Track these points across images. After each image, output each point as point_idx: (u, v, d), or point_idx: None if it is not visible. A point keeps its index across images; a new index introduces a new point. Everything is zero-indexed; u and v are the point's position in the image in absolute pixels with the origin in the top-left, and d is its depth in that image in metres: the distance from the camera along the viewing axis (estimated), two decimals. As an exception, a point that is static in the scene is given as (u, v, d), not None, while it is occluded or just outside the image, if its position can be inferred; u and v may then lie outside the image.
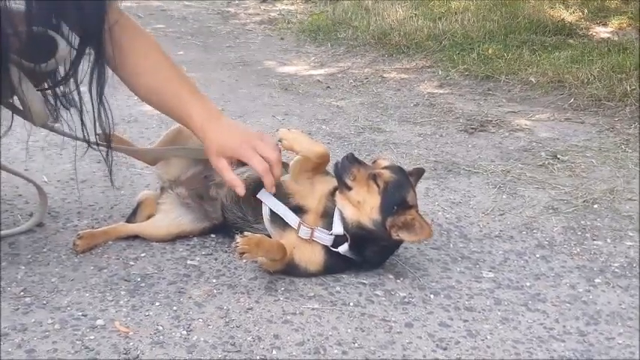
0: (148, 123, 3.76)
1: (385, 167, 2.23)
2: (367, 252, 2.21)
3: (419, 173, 2.42)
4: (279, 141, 2.23)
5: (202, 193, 2.42)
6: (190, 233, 2.43)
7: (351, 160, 2.20)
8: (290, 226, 2.20)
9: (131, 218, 2.48)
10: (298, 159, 2.26)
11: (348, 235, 2.17)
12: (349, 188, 2.17)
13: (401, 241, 2.24)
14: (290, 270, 2.20)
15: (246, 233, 2.03)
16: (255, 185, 2.29)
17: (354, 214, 2.16)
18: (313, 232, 2.18)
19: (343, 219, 2.17)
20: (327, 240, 2.18)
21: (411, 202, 2.18)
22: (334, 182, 2.24)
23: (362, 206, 2.15)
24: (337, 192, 2.21)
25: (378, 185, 2.15)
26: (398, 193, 2.16)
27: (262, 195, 2.27)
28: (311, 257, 2.20)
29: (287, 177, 2.30)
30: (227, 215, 2.36)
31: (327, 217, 2.21)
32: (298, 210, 2.22)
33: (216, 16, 7.71)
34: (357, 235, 2.16)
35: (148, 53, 2.20)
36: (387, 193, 2.14)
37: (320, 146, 2.26)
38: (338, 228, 2.17)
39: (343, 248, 2.19)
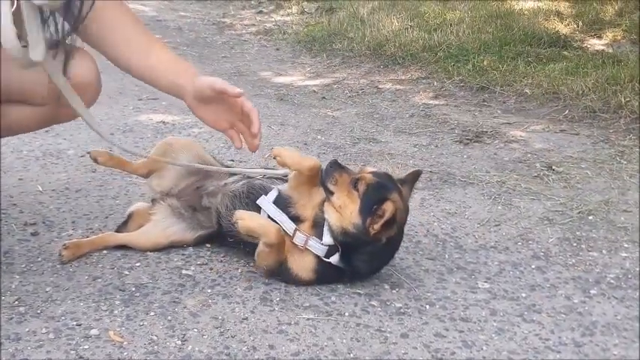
0: (142, 133, 3.75)
1: (370, 172, 2.23)
2: (356, 261, 2.21)
3: (415, 175, 2.36)
4: (274, 158, 2.27)
5: (195, 204, 2.42)
6: (182, 242, 2.42)
7: (333, 165, 2.24)
8: (286, 232, 2.20)
9: (121, 228, 2.47)
10: (294, 173, 2.29)
11: (338, 246, 2.18)
12: (332, 193, 2.19)
13: (392, 245, 2.23)
14: (283, 272, 2.21)
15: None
16: (252, 191, 2.31)
17: (338, 219, 2.16)
18: (307, 240, 2.19)
19: (330, 227, 2.18)
20: (320, 250, 2.19)
21: (390, 197, 2.15)
22: None
23: (343, 211, 2.16)
24: (325, 200, 2.24)
25: (357, 190, 2.16)
26: (378, 194, 2.14)
27: (262, 202, 2.29)
28: (303, 264, 2.21)
29: (286, 187, 2.32)
30: (222, 223, 2.36)
31: (318, 227, 2.22)
32: (296, 219, 2.24)
33: (212, 27, 7.72)
34: (345, 243, 2.17)
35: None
36: (366, 195, 2.14)
37: (310, 160, 2.28)
38: (327, 238, 2.18)
39: (335, 259, 2.19)
